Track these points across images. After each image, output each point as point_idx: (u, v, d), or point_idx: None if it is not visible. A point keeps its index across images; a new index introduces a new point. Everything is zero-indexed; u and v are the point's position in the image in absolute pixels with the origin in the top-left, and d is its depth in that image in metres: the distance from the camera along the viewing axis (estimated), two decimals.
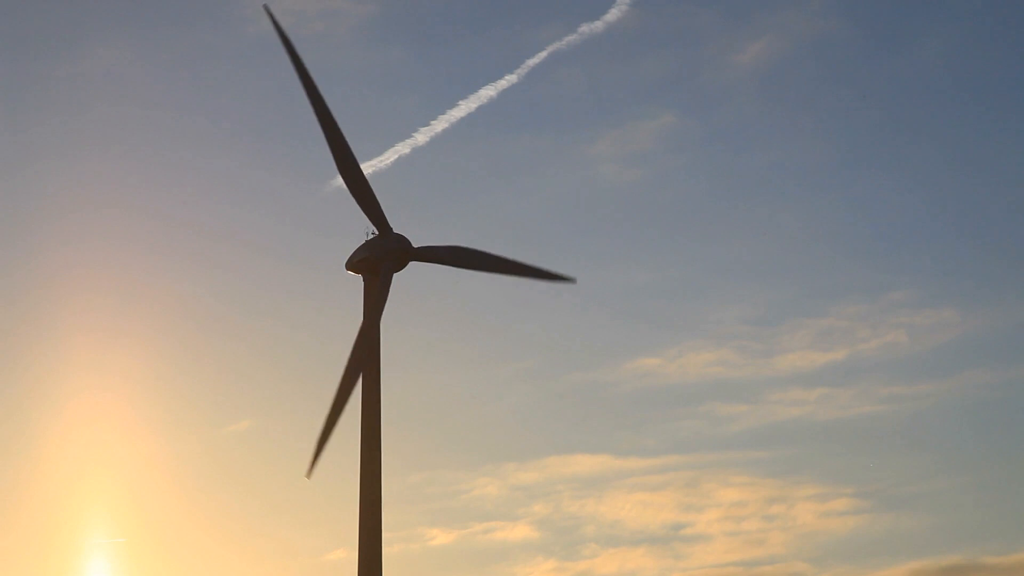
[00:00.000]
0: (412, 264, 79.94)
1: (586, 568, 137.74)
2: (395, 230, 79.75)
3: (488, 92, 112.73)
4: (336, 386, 74.71)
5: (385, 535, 75.35)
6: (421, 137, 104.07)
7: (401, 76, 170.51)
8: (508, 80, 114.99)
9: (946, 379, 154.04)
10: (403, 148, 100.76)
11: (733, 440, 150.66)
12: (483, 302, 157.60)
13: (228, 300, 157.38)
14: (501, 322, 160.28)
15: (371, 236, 79.66)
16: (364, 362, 76.19)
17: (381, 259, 78.88)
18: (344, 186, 79.33)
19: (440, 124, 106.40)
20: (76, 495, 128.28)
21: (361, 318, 78.48)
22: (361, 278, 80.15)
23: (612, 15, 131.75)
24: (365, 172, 79.64)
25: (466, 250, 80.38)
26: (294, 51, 77.14)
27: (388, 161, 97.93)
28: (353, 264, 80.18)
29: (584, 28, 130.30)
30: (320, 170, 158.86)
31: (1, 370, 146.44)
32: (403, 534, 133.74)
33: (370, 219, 79.33)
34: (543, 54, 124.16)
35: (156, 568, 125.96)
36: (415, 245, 79.73)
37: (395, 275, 79.14)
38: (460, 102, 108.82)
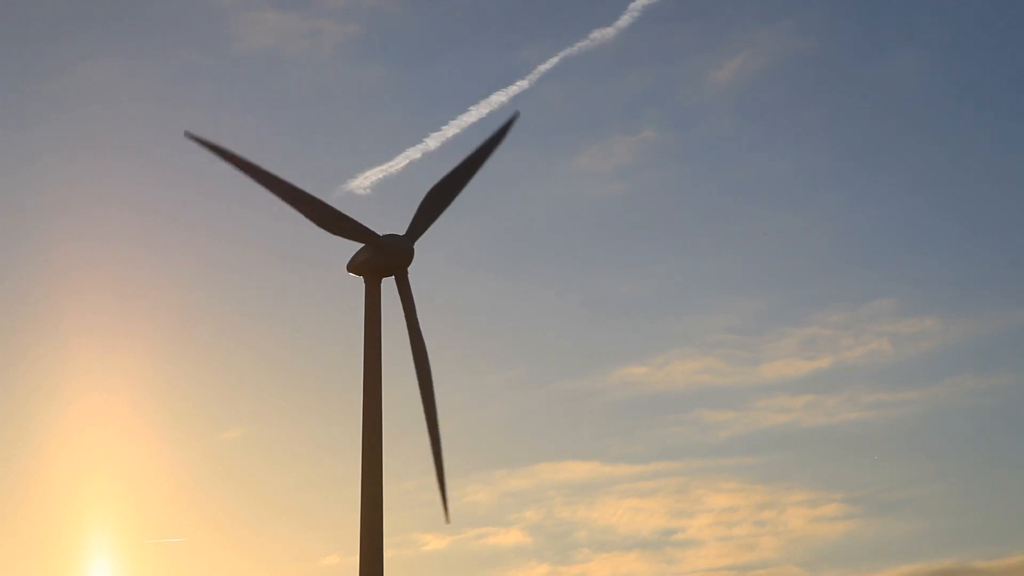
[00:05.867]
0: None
1: (580, 572, 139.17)
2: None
3: (472, 111, 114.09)
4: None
5: None
6: (409, 154, 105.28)
7: (383, 95, 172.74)
8: (492, 100, 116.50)
9: (930, 386, 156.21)
10: (388, 168, 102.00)
11: (722, 446, 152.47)
12: (473, 310, 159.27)
13: (229, 302, 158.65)
14: (490, 330, 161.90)
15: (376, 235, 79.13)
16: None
17: (384, 263, 78.81)
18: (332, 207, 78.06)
19: (426, 142, 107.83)
20: (77, 497, 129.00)
21: (362, 321, 78.57)
22: (363, 280, 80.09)
23: (596, 35, 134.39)
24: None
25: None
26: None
27: (368, 182, 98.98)
28: (355, 266, 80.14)
29: (568, 47, 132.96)
30: (323, 174, 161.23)
31: (2, 371, 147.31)
32: (397, 540, 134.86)
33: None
34: (529, 73, 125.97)
35: (153, 570, 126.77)
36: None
37: (390, 280, 79.37)
38: (446, 121, 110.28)
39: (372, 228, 78.53)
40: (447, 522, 75.75)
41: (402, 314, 79.36)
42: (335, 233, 77.23)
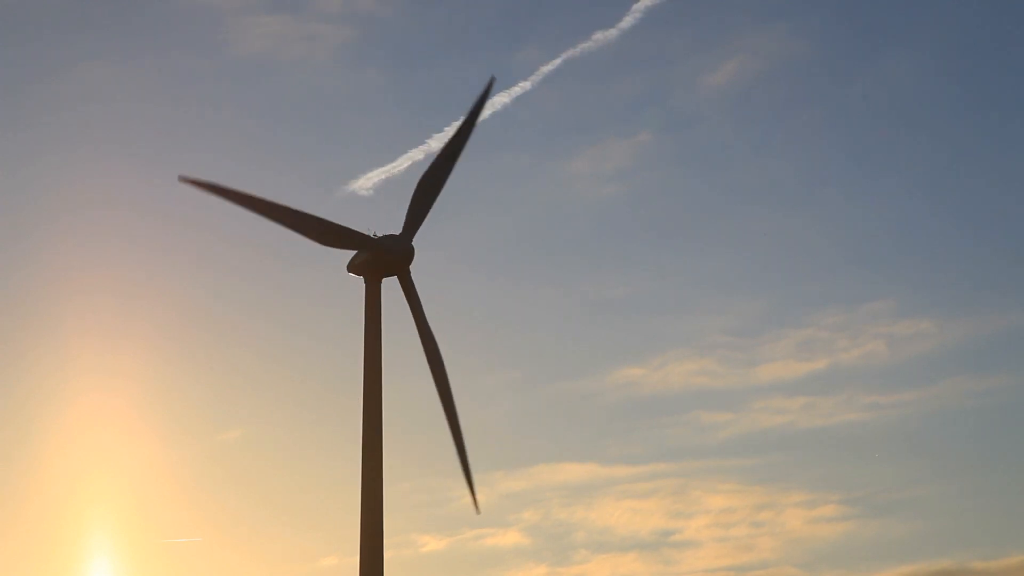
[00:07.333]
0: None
1: (578, 573, 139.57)
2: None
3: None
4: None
5: None
6: (411, 155, 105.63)
7: (384, 97, 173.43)
8: (494, 100, 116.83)
9: (927, 388, 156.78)
10: (391, 169, 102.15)
11: (719, 448, 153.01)
12: (472, 311, 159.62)
13: (229, 303, 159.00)
14: (488, 332, 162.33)
15: (374, 238, 79.32)
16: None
17: (383, 263, 78.99)
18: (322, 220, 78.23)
19: (428, 143, 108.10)
20: (77, 497, 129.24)
21: (362, 321, 78.76)
22: (362, 280, 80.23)
23: (599, 36, 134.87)
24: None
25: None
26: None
27: (370, 183, 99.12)
28: (355, 266, 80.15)
29: (571, 48, 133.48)
30: (324, 175, 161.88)
31: (2, 371, 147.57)
32: (395, 540, 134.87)
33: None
34: (531, 75, 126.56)
35: (153, 570, 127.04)
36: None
37: (390, 280, 79.37)
38: (448, 122, 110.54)
39: (374, 229, 78.94)
40: (477, 512, 77.47)
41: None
42: (332, 245, 77.62)
